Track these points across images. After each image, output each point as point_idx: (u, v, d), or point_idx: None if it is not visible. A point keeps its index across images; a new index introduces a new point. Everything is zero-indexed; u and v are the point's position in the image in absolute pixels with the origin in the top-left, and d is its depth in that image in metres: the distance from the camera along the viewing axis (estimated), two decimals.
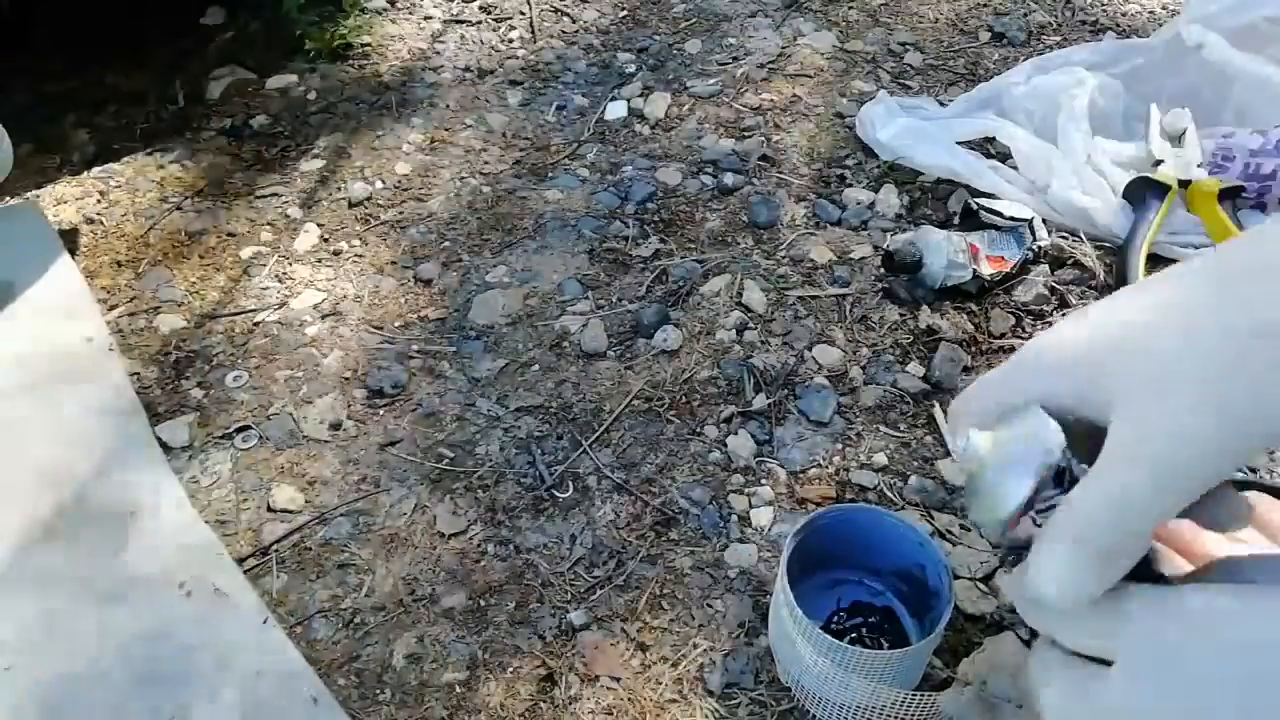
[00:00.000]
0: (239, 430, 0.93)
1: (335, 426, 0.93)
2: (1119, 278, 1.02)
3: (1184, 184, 1.04)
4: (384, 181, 1.20)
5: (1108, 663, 0.30)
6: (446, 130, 1.28)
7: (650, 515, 0.84)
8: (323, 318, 1.04)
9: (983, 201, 1.08)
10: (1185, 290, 0.30)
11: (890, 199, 1.14)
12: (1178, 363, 0.28)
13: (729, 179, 1.17)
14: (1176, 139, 1.09)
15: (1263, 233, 0.29)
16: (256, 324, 1.03)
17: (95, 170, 1.22)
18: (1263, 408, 0.26)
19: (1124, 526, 0.28)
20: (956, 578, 0.77)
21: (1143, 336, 0.29)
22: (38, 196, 1.18)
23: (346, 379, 0.97)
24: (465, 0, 1.52)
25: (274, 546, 0.83)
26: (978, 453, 0.35)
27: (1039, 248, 1.04)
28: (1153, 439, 0.28)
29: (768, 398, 0.93)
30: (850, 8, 1.47)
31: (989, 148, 1.18)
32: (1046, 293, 1.02)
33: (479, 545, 0.83)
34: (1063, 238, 1.07)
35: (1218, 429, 0.27)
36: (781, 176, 1.19)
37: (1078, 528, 0.29)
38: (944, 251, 1.01)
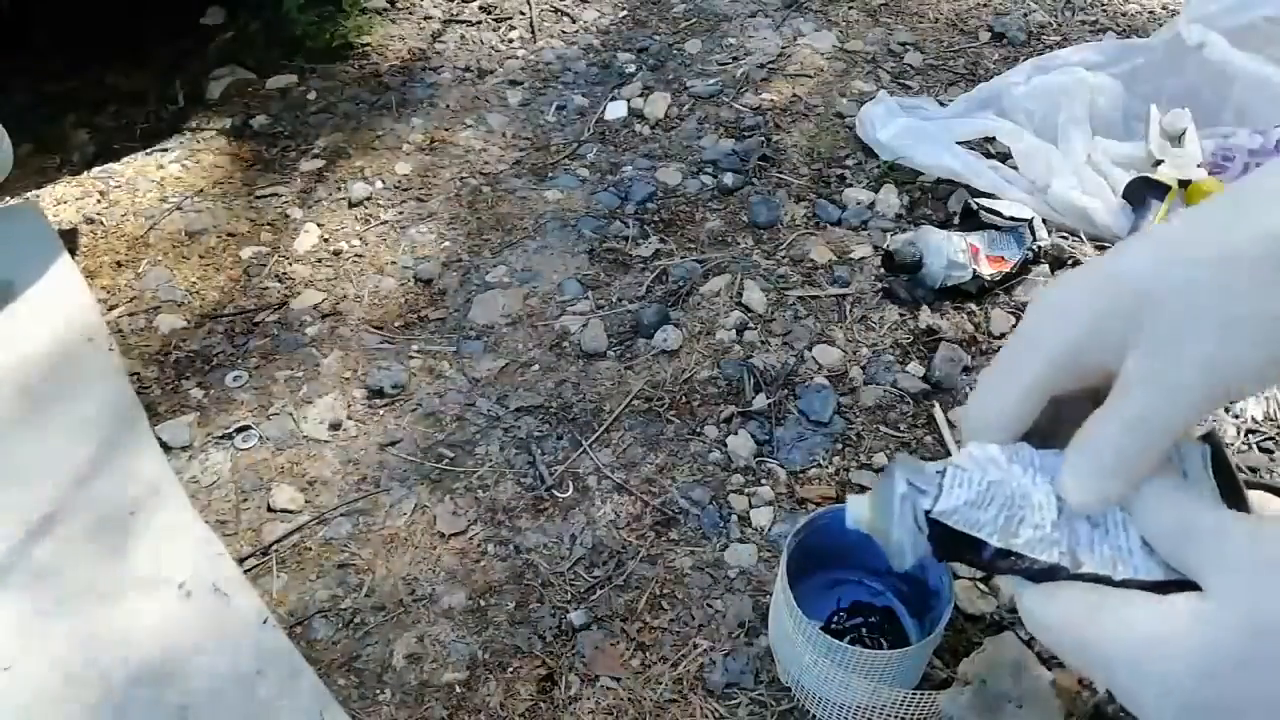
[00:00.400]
0: (239, 430, 0.93)
1: (335, 426, 0.93)
2: None
3: (1184, 184, 1.04)
4: (384, 181, 1.20)
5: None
6: (446, 130, 1.28)
7: (650, 515, 0.84)
8: (323, 318, 1.04)
9: (983, 201, 1.08)
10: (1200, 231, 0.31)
11: (890, 199, 1.14)
12: (1201, 296, 0.30)
13: (729, 179, 1.17)
14: (1176, 139, 1.09)
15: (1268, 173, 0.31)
16: (256, 324, 1.03)
17: (95, 170, 1.22)
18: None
19: (1145, 444, 0.32)
20: (956, 578, 0.77)
21: (1168, 274, 0.31)
22: (38, 196, 1.18)
23: (346, 379, 0.97)
24: (465, 0, 1.52)
25: (274, 546, 0.83)
26: (859, 521, 0.40)
27: (1039, 248, 1.04)
28: (1180, 368, 0.30)
29: (768, 398, 0.93)
30: (850, 8, 1.47)
31: (989, 148, 1.18)
32: None
33: (479, 545, 0.83)
34: (1063, 238, 1.07)
35: (1242, 356, 0.30)
36: (781, 176, 1.19)
37: (1097, 449, 0.32)
38: (944, 251, 1.01)
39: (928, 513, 0.37)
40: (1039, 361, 0.35)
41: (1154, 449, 0.32)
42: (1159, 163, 1.07)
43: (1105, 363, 0.33)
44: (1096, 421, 0.32)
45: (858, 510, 0.42)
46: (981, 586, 0.77)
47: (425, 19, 1.48)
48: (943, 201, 1.14)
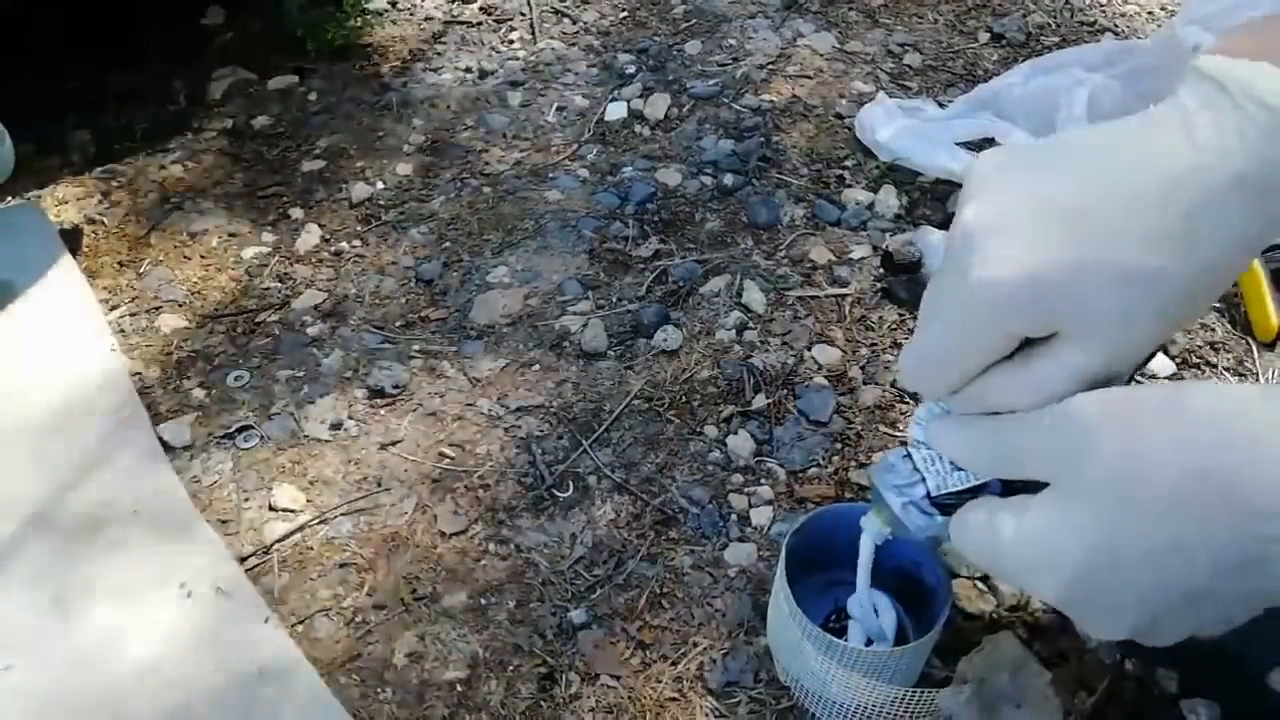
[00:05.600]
0: (240, 430, 0.93)
1: (336, 426, 0.93)
2: None
3: None
4: (385, 182, 1.21)
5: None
6: (447, 131, 1.28)
7: (650, 514, 0.85)
8: (324, 318, 1.04)
9: None
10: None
11: (889, 199, 1.15)
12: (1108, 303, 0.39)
13: (729, 179, 1.18)
14: None
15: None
16: (258, 324, 1.04)
17: (97, 170, 1.22)
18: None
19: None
20: (955, 576, 0.77)
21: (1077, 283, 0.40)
22: (39, 197, 1.18)
23: (347, 379, 0.98)
24: (466, 1, 1.52)
25: (275, 546, 0.84)
26: (881, 534, 0.56)
27: None
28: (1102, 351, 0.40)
29: (767, 398, 0.94)
30: (849, 8, 1.47)
31: (988, 148, 1.18)
32: None
33: (479, 544, 0.83)
34: None
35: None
36: (781, 177, 1.19)
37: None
38: (943, 252, 1.01)
39: (928, 498, 0.46)
40: (982, 353, 0.42)
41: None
42: None
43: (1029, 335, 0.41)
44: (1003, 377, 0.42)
45: (874, 526, 0.55)
46: (980, 585, 0.78)
47: (426, 19, 1.48)
48: (942, 202, 1.15)
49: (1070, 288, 0.38)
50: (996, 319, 0.40)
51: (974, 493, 0.46)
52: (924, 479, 0.47)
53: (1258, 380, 0.96)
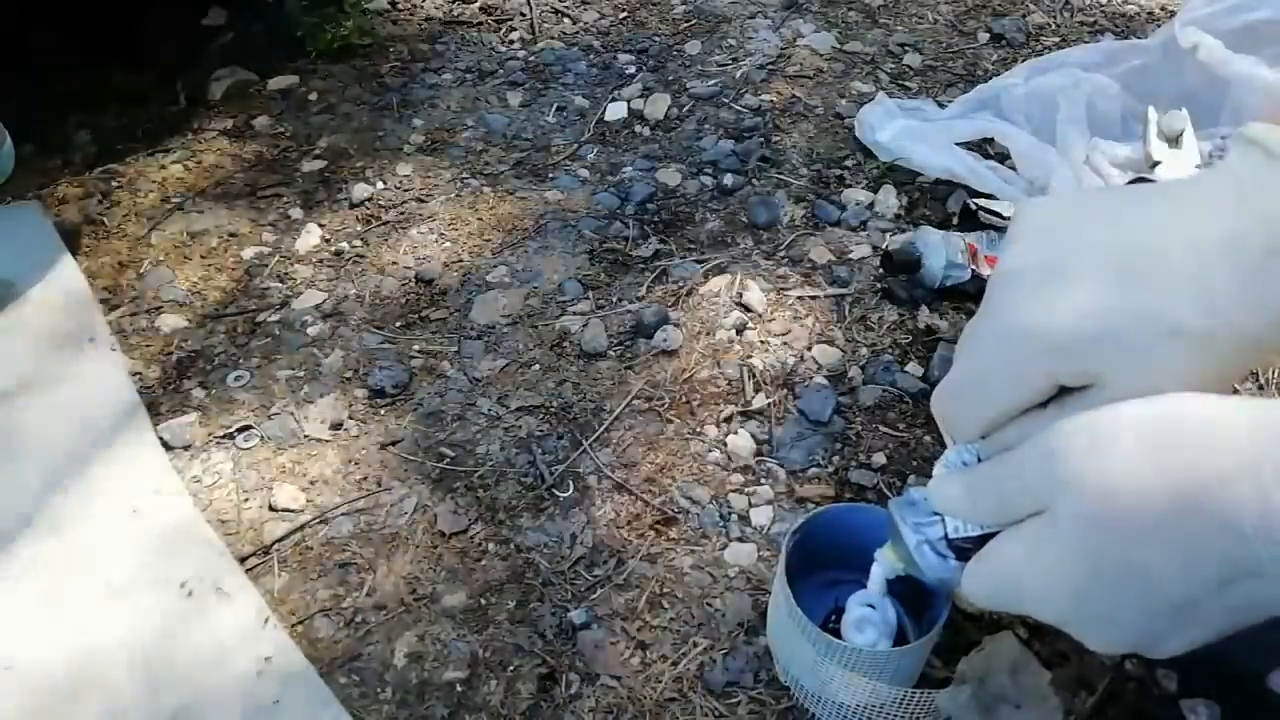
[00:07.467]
0: (240, 430, 0.93)
1: (336, 426, 0.93)
2: None
3: None
4: (385, 182, 1.21)
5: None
6: (447, 131, 1.28)
7: (650, 514, 0.85)
8: (324, 318, 1.04)
9: (981, 202, 1.08)
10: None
11: (889, 199, 1.15)
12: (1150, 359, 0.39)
13: (729, 179, 1.18)
14: (1174, 140, 1.09)
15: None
16: (258, 324, 1.04)
17: (97, 171, 1.22)
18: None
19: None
20: None
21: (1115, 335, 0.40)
22: (40, 197, 1.18)
23: (348, 379, 0.98)
24: (466, 1, 1.52)
25: (275, 546, 0.84)
26: (894, 570, 0.57)
27: None
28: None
29: (767, 398, 0.94)
30: (849, 9, 1.47)
31: (987, 148, 1.19)
32: None
33: (479, 544, 0.83)
34: None
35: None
36: (781, 177, 1.19)
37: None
38: (943, 252, 1.01)
39: (945, 539, 0.45)
40: (1022, 394, 0.42)
41: None
42: (1157, 164, 1.07)
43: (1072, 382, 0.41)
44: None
45: (888, 561, 0.56)
46: None
47: (426, 20, 1.48)
48: (941, 202, 1.15)
49: (1120, 339, 0.38)
50: (1044, 362, 0.40)
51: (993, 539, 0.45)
52: (943, 520, 0.46)
53: (1256, 379, 0.96)
